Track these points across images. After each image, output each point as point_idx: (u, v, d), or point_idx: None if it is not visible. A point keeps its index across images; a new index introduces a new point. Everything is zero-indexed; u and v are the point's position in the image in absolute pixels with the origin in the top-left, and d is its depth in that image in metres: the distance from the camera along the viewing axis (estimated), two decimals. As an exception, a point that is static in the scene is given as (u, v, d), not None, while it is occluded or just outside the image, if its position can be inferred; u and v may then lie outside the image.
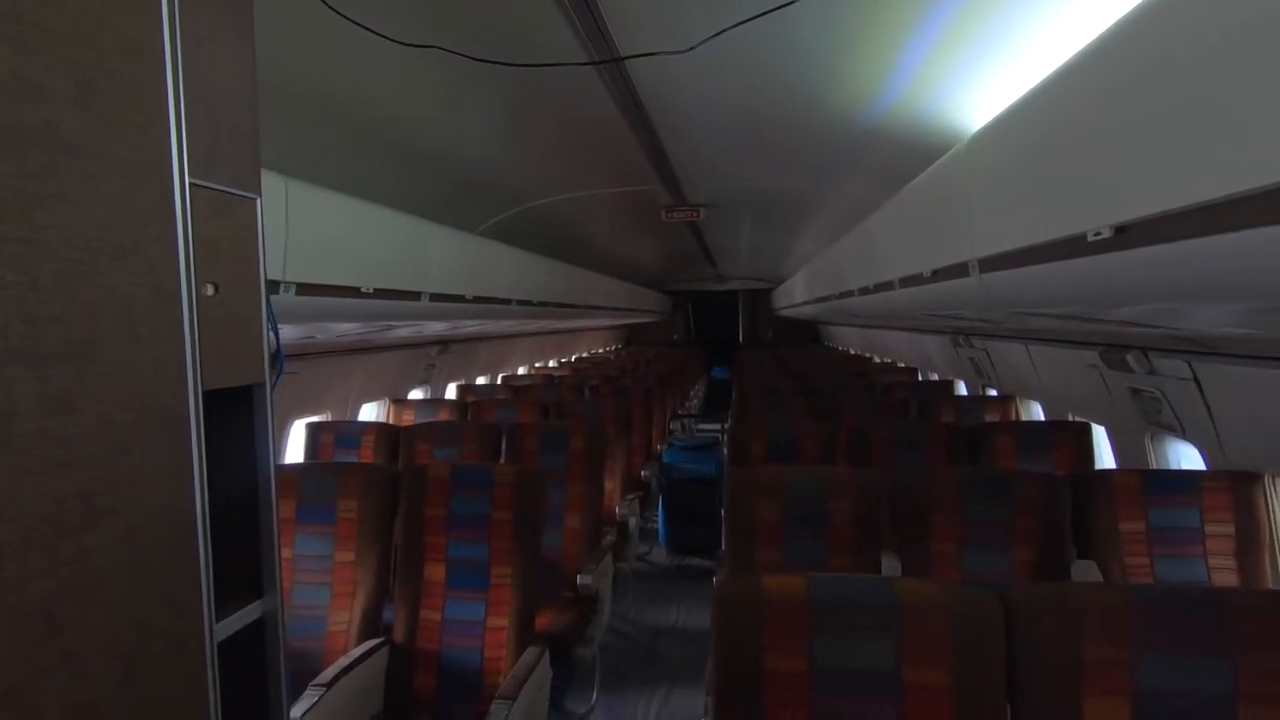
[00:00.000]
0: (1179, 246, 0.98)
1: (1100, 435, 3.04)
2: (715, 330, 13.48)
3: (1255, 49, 0.76)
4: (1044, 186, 1.28)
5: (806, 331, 12.83)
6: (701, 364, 11.73)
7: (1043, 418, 3.63)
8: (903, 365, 6.68)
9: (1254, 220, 0.84)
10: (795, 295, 7.40)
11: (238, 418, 1.13)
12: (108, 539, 0.83)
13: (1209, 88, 0.85)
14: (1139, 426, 2.65)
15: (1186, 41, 0.88)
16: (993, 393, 4.24)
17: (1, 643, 0.71)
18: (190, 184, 0.95)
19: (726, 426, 5.21)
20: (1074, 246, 1.19)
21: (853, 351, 9.90)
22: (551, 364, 8.64)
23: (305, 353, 3.33)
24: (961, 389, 4.99)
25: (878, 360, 8.01)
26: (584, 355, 10.67)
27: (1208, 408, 2.15)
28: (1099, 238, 1.11)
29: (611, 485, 3.89)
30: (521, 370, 7.64)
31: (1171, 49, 0.91)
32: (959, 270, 1.84)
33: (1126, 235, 1.06)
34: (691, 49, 1.56)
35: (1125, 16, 0.98)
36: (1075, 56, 1.13)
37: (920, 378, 5.94)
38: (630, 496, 4.10)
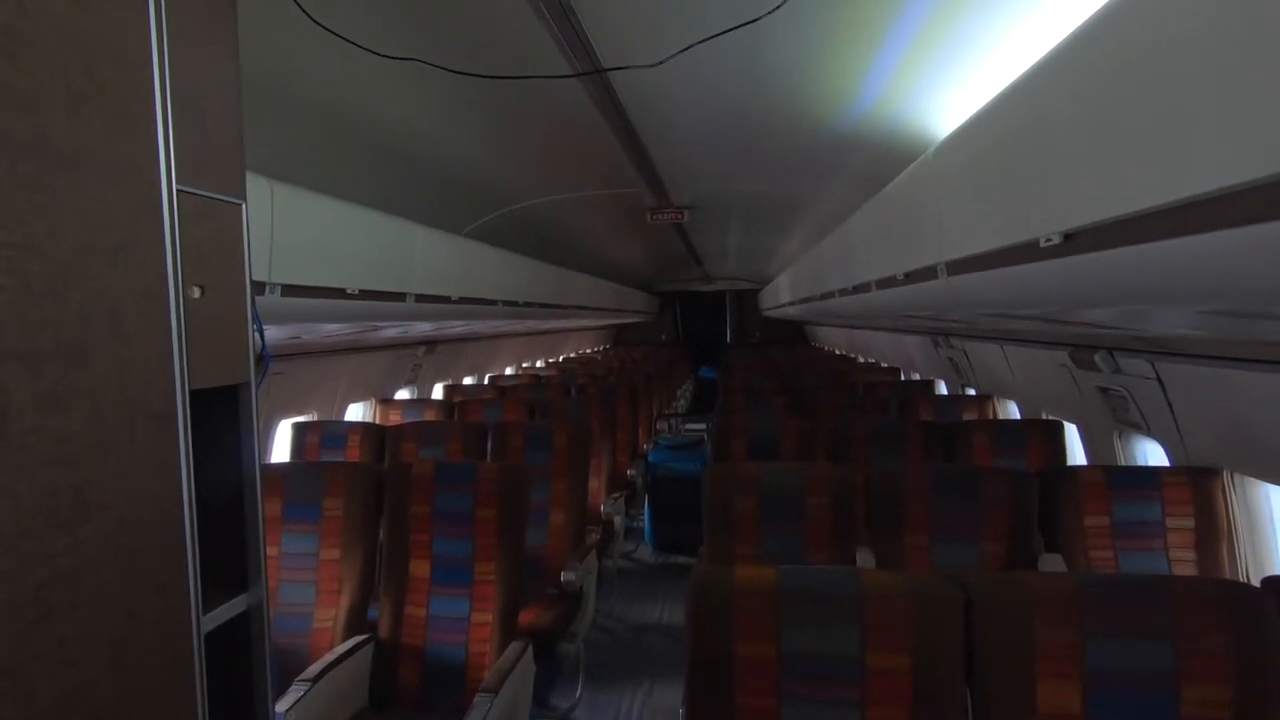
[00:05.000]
0: (1123, 252, 1.04)
1: (1072, 433, 3.12)
2: (703, 330, 13.54)
3: (1187, 70, 0.82)
4: (1002, 194, 1.34)
5: (793, 332, 12.92)
6: (689, 364, 11.80)
7: (1018, 416, 3.71)
8: (886, 365, 6.77)
9: (1189, 228, 0.90)
10: (780, 296, 7.48)
11: (224, 416, 1.17)
12: (99, 530, 0.86)
13: (1147, 103, 0.91)
14: (1108, 424, 2.73)
15: (1125, 61, 0.94)
16: (971, 392, 4.32)
17: (2, 624, 0.74)
18: (177, 190, 0.99)
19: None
20: (1029, 252, 1.25)
21: (838, 352, 10.00)
22: (539, 364, 8.67)
23: (291, 353, 3.34)
24: (942, 388, 5.08)
25: (862, 360, 8.11)
26: (571, 355, 10.69)
27: (1170, 406, 2.23)
28: (1050, 243, 1.17)
29: (597, 484, 3.93)
30: (508, 370, 7.66)
31: (1112, 68, 0.97)
32: (929, 273, 1.90)
33: (1075, 241, 1.12)
34: (661, 63, 1.61)
35: (1069, 37, 1.04)
36: (1027, 73, 1.19)
37: (903, 377, 6.02)
38: (616, 495, 4.14)
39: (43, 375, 0.79)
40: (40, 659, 0.79)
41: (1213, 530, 2.11)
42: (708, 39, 1.50)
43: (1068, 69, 1.06)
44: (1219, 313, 1.12)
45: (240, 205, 1.13)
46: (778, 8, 1.36)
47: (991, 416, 3.85)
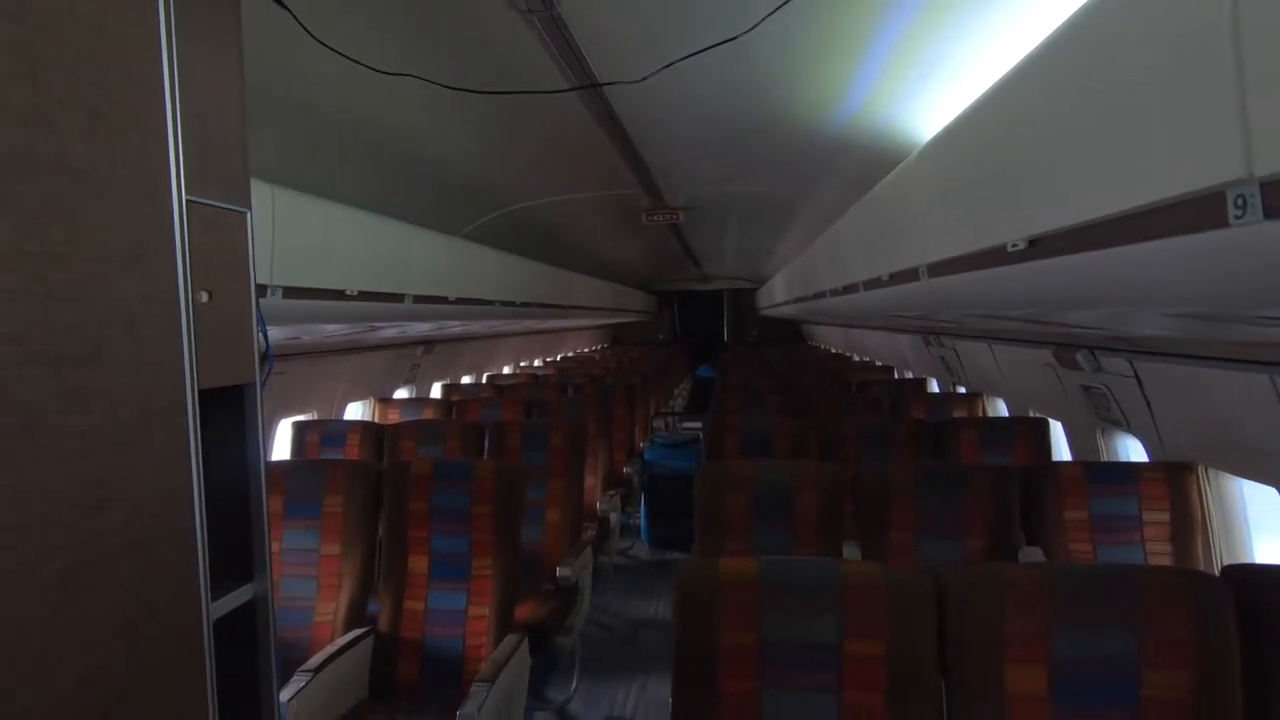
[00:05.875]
0: (1082, 257, 1.10)
1: (1058, 430, 3.18)
2: (700, 329, 13.61)
3: (1136, 89, 0.88)
4: (974, 201, 1.40)
5: (790, 331, 12.98)
6: (686, 363, 11.85)
7: (1007, 414, 3.77)
8: (880, 364, 6.83)
9: (1142, 235, 0.96)
10: (776, 295, 7.54)
11: (230, 415, 1.22)
12: (115, 522, 0.92)
13: (1101, 118, 0.97)
14: (1091, 422, 2.80)
15: (1082, 79, 1.00)
16: (962, 390, 4.38)
17: (25, 611, 0.80)
18: (186, 201, 1.04)
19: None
20: (998, 256, 1.31)
21: (834, 350, 10.06)
22: (537, 363, 8.72)
23: (291, 353, 3.40)
24: (934, 387, 5.14)
25: (857, 359, 8.17)
26: (569, 355, 10.75)
27: (1148, 404, 2.29)
28: (1016, 249, 1.23)
29: (593, 481, 3.99)
30: (507, 369, 7.72)
31: (1070, 85, 1.03)
32: (911, 275, 1.96)
33: (1039, 247, 1.18)
34: (645, 79, 1.67)
35: (1030, 55, 1.10)
36: (994, 86, 1.25)
37: (896, 376, 6.08)
38: (612, 492, 4.20)
39: (64, 376, 0.85)
40: (62, 642, 0.85)
41: (1188, 523, 2.17)
42: (688, 56, 1.57)
43: (1031, 85, 1.12)
44: (1178, 315, 1.18)
45: (245, 213, 1.19)
46: (753, 28, 1.42)
47: (981, 414, 3.91)
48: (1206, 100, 0.72)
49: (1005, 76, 1.20)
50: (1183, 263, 0.87)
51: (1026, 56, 1.11)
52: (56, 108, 0.85)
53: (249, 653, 1.28)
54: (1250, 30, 0.64)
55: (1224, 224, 0.73)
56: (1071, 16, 0.99)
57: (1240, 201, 0.71)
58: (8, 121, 0.79)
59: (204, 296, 1.08)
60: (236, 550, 1.23)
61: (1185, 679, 1.27)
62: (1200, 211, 0.77)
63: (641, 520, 4.95)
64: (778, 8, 1.35)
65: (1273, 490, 1.87)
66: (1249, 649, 1.30)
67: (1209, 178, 0.73)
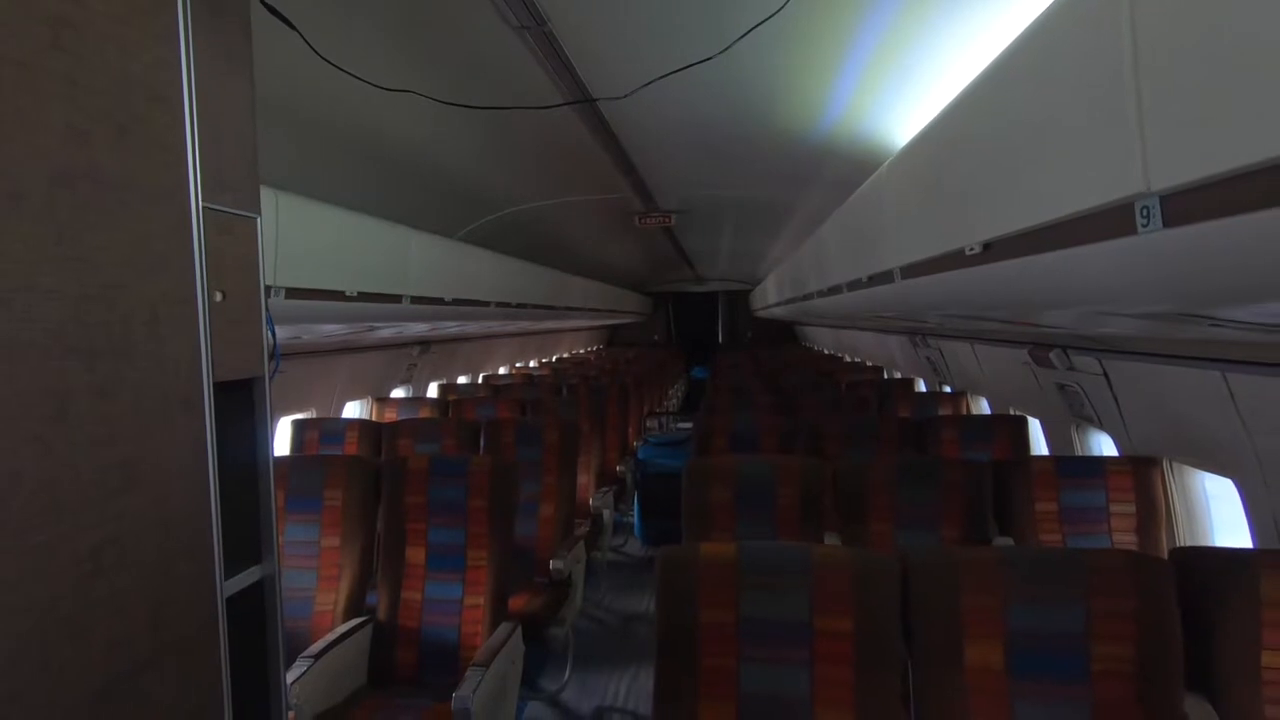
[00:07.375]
0: (1028, 260, 1.19)
1: (1036, 428, 3.28)
2: (695, 330, 13.69)
3: (1064, 115, 0.97)
4: (937, 208, 1.50)
5: (784, 331, 13.09)
6: (681, 364, 11.94)
7: (989, 412, 3.87)
8: (870, 364, 6.93)
9: (1071, 240, 1.05)
10: (769, 297, 7.64)
11: (240, 406, 1.31)
12: (140, 503, 1.01)
13: (1039, 137, 1.07)
14: (1066, 419, 2.90)
15: (1019, 104, 1.09)
16: (947, 389, 4.48)
17: (63, 580, 0.89)
18: (203, 208, 1.13)
19: None
20: (959, 259, 1.41)
21: (826, 351, 10.17)
22: (532, 364, 8.81)
23: (291, 352, 3.47)
24: (921, 386, 5.24)
25: (848, 359, 8.27)
26: (565, 356, 10.83)
27: (1116, 400, 2.39)
28: (973, 252, 1.33)
29: (586, 479, 4.07)
30: (502, 370, 7.80)
31: (1010, 108, 1.12)
32: (886, 276, 2.05)
33: (991, 251, 1.28)
34: (628, 95, 1.77)
35: (978, 78, 1.20)
36: (953, 101, 1.34)
37: (886, 376, 6.18)
38: (605, 489, 4.28)
39: (95, 369, 0.94)
40: (94, 610, 0.94)
41: (1153, 514, 2.27)
42: (669, 74, 1.66)
43: (979, 105, 1.22)
44: (1114, 315, 1.27)
45: (255, 219, 1.28)
46: (727, 49, 1.52)
47: (965, 412, 4.01)
48: (1116, 124, 0.82)
49: (959, 96, 1.29)
50: (1106, 266, 0.97)
51: (976, 79, 1.21)
52: (91, 125, 0.94)
53: (257, 631, 1.36)
54: (1147, 69, 0.74)
55: (1133, 231, 0.83)
56: (1009, 50, 1.09)
57: (1145, 212, 0.80)
58: (50, 138, 0.87)
59: (218, 296, 1.17)
60: (246, 533, 1.32)
61: (1130, 651, 1.37)
62: (1115, 221, 0.86)
63: (635, 518, 5.04)
64: (748, 31, 1.45)
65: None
66: (1192, 624, 1.40)
67: (1119, 191, 0.83)
